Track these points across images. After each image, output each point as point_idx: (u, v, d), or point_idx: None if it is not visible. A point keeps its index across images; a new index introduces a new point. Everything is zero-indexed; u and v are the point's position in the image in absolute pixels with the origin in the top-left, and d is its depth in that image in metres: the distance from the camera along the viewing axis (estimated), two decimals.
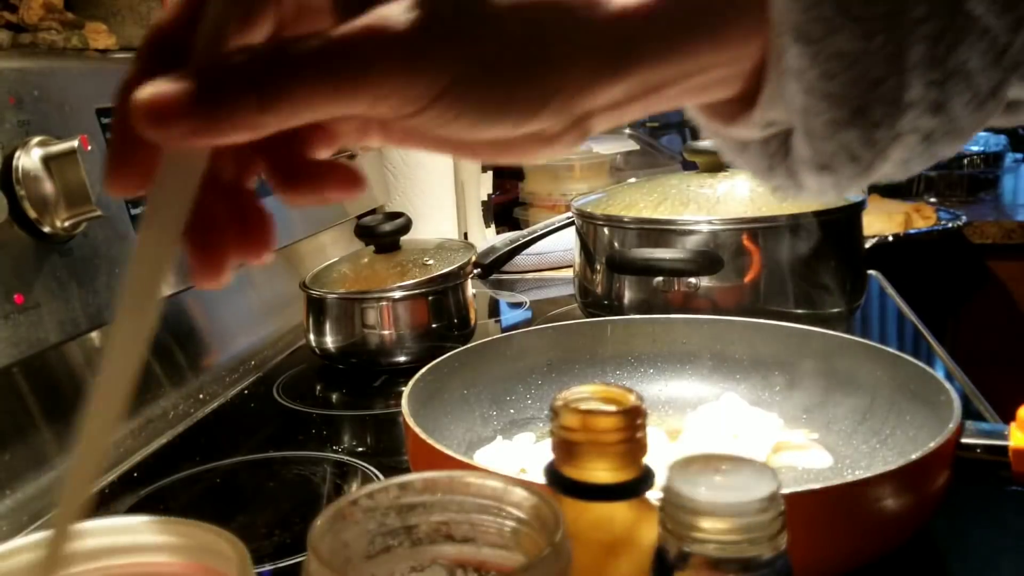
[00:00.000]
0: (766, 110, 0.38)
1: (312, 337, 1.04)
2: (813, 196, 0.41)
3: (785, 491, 0.32)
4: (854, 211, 1.02)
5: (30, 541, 0.38)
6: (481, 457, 0.72)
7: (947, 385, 0.65)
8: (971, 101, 0.35)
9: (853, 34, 0.33)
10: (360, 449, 0.85)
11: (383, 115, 0.32)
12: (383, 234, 1.06)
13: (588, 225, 1.07)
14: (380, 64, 0.30)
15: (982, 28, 0.33)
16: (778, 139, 0.41)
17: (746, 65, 0.36)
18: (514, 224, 1.81)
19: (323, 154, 0.36)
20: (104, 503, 0.76)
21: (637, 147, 1.89)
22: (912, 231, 1.64)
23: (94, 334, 0.87)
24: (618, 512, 0.37)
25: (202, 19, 0.31)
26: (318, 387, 1.03)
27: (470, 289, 1.08)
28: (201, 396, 0.99)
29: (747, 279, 0.96)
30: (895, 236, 1.27)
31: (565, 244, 1.33)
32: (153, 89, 0.29)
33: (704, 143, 1.03)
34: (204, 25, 0.31)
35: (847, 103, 0.35)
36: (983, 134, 2.13)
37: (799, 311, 0.96)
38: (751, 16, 0.35)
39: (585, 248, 1.08)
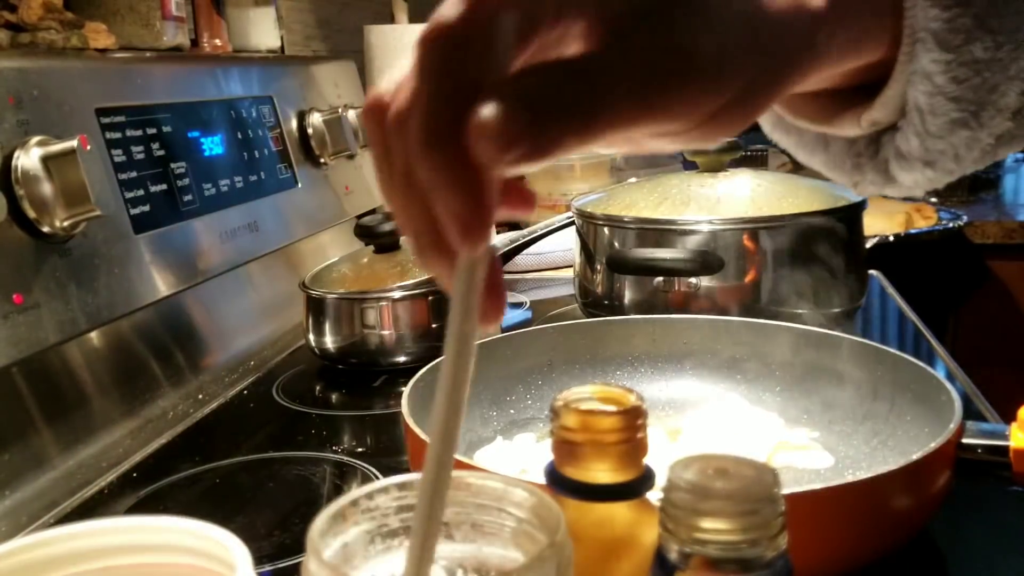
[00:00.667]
0: (878, 110, 0.41)
1: (312, 337, 1.04)
2: (901, 192, 0.44)
3: (786, 491, 0.32)
4: (855, 211, 1.01)
5: (30, 541, 0.38)
6: (481, 457, 0.72)
7: (948, 385, 0.65)
8: None
9: (986, 45, 0.37)
10: (360, 449, 0.85)
11: (665, 131, 0.34)
12: (383, 234, 1.05)
13: (588, 225, 1.07)
14: (682, 86, 0.32)
15: None
16: (866, 138, 0.44)
17: (870, 61, 0.39)
18: (514, 224, 1.80)
19: None
20: (103, 503, 0.76)
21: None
22: (913, 231, 1.63)
23: (93, 334, 0.87)
24: (619, 512, 0.37)
25: (493, 42, 0.31)
26: (318, 387, 1.03)
27: None
28: (201, 396, 0.99)
29: (748, 279, 0.96)
30: (896, 236, 1.26)
31: (565, 244, 1.33)
32: (492, 114, 0.29)
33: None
34: (498, 46, 0.31)
35: (968, 106, 0.38)
36: None
37: (800, 311, 0.96)
38: (886, 19, 0.38)
39: (585, 248, 1.08)
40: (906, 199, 1.96)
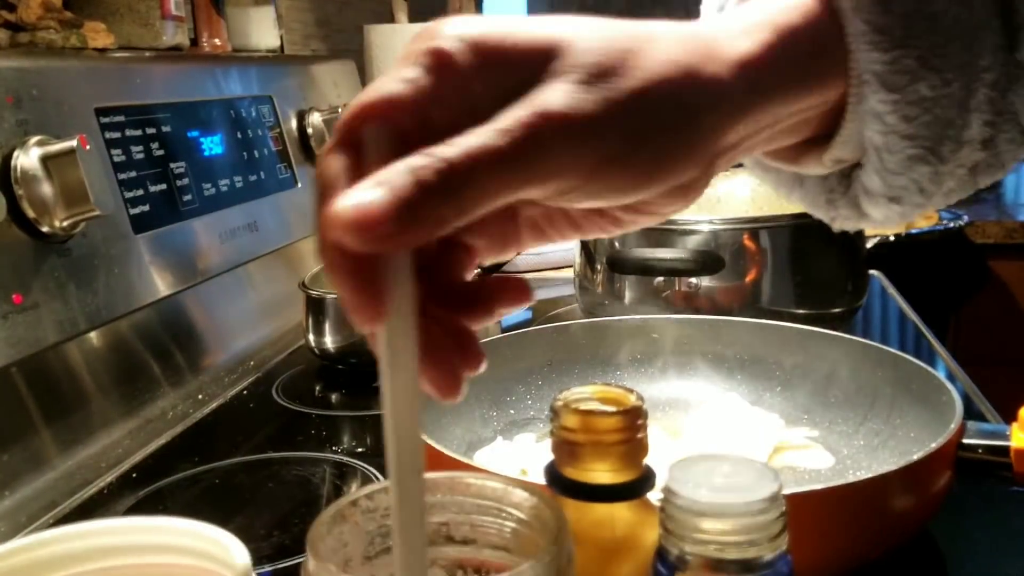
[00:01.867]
0: (839, 149, 0.41)
1: (311, 337, 1.04)
2: (874, 225, 0.45)
3: (786, 492, 0.32)
4: None
5: (30, 541, 0.38)
6: (481, 458, 0.72)
7: (948, 385, 0.65)
8: (1014, 138, 0.40)
9: (931, 83, 0.38)
10: (360, 450, 0.85)
11: (549, 195, 0.33)
12: None
13: None
14: (552, 144, 0.32)
15: None
16: (837, 175, 0.45)
17: (823, 109, 0.40)
18: None
19: (469, 275, 0.37)
20: (103, 504, 0.76)
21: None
22: (914, 231, 1.63)
23: (93, 334, 0.87)
24: (619, 513, 0.37)
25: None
26: (317, 387, 1.03)
27: None
28: (200, 396, 0.99)
29: (748, 279, 0.96)
30: (896, 236, 1.26)
31: (565, 244, 1.33)
32: (354, 202, 0.29)
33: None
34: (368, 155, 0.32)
35: (923, 142, 0.39)
36: None
37: (800, 311, 0.96)
38: (835, 65, 0.38)
39: (585, 248, 1.08)
40: None
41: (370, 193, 0.29)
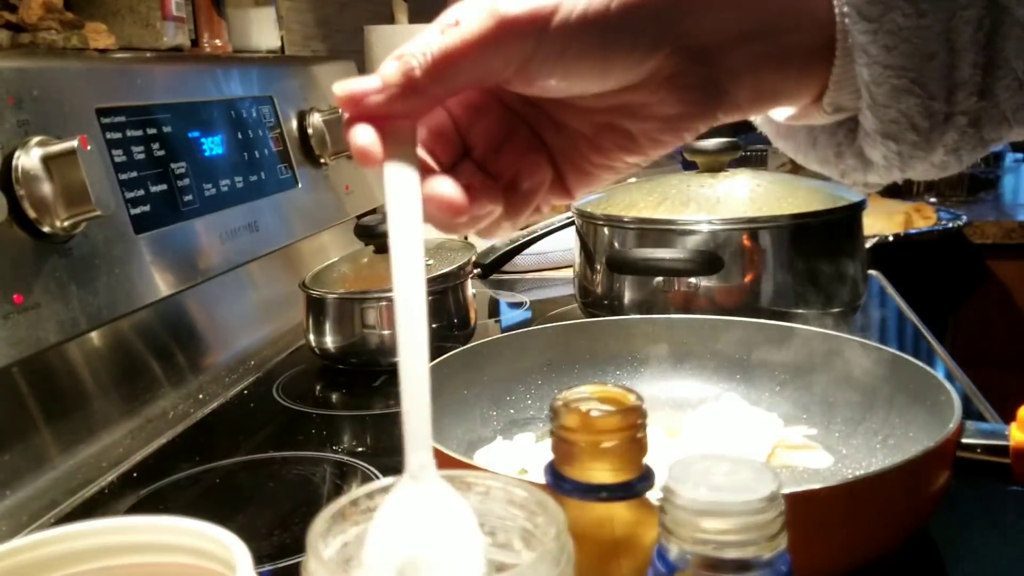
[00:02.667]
0: (836, 91, 0.44)
1: (312, 337, 1.04)
2: (881, 175, 0.47)
3: (785, 491, 0.32)
4: (854, 211, 1.01)
5: (30, 541, 0.38)
6: (481, 457, 0.72)
7: (947, 385, 0.65)
8: (1010, 85, 0.41)
9: (906, 12, 0.40)
10: (360, 449, 0.85)
11: (509, 69, 0.41)
12: (383, 234, 1.05)
13: (588, 225, 1.07)
14: (502, 36, 0.40)
15: (1014, 19, 0.40)
16: (844, 130, 0.48)
17: (810, 40, 0.43)
18: None
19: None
20: (104, 504, 0.76)
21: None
22: (912, 231, 1.64)
23: (94, 334, 0.87)
24: (618, 512, 0.37)
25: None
26: (318, 387, 1.03)
27: (470, 289, 1.08)
28: (201, 396, 0.99)
29: (747, 279, 0.96)
30: (895, 236, 1.27)
31: (565, 244, 1.33)
32: (351, 85, 0.41)
33: (711, 142, 1.03)
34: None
35: (905, 73, 0.41)
36: None
37: (799, 311, 0.96)
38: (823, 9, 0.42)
39: (585, 248, 1.08)
40: (906, 199, 1.96)
41: (366, 80, 0.41)
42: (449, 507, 0.34)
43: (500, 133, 0.45)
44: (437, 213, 0.41)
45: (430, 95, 0.41)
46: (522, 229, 0.43)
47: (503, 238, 1.17)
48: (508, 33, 0.39)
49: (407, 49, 0.40)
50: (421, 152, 0.43)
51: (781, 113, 0.50)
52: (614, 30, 0.41)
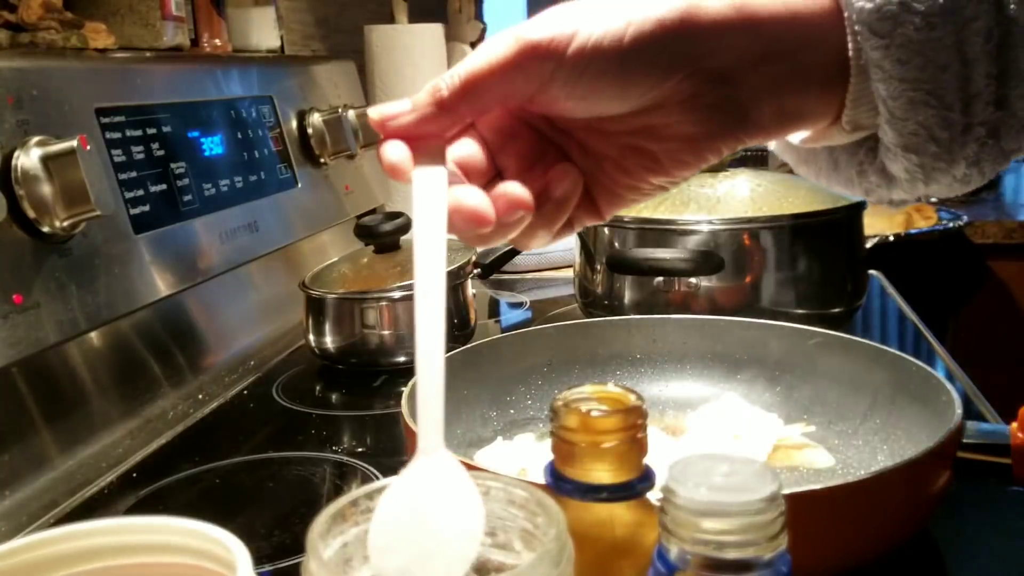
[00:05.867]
0: (853, 109, 0.45)
1: (312, 337, 1.04)
2: (906, 190, 0.48)
3: (785, 491, 0.32)
4: (855, 211, 1.01)
5: (30, 541, 0.38)
6: (481, 458, 0.72)
7: (948, 385, 0.65)
8: None
9: (917, 26, 0.41)
10: (360, 449, 0.85)
11: (530, 88, 0.44)
12: (383, 234, 1.05)
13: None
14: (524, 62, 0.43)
15: (1022, 31, 0.41)
16: (865, 146, 0.49)
17: (823, 58, 0.44)
18: None
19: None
20: (103, 504, 0.76)
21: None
22: (913, 231, 1.63)
23: (93, 334, 0.87)
24: (618, 513, 0.37)
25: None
26: (318, 387, 1.03)
27: (470, 289, 1.08)
28: (200, 396, 0.99)
29: (748, 279, 0.96)
30: (896, 236, 1.26)
31: (565, 244, 1.33)
32: (383, 109, 0.45)
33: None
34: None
35: (920, 85, 0.42)
36: None
37: (800, 311, 0.96)
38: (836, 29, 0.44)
39: (585, 248, 1.08)
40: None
41: (398, 104, 0.44)
42: (455, 479, 0.35)
43: (531, 155, 0.47)
44: (462, 223, 0.43)
45: (458, 114, 0.44)
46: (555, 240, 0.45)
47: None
48: (529, 56, 0.42)
49: (439, 77, 0.44)
50: (452, 168, 0.45)
51: (799, 137, 0.51)
52: (629, 58, 0.43)
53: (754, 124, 0.45)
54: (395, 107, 0.44)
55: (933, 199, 2.07)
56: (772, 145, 0.54)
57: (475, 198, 0.43)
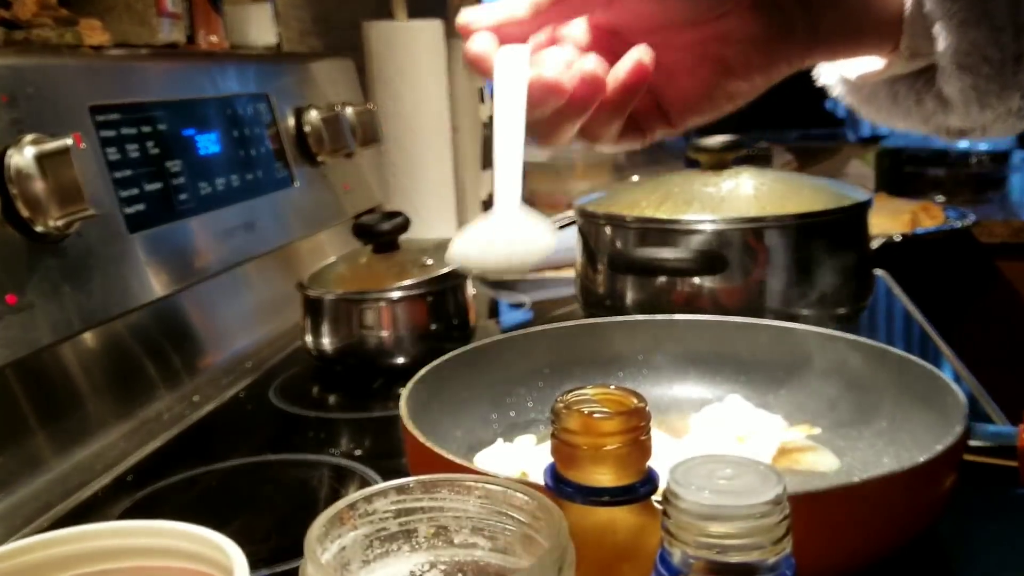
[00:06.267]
0: (910, 35, 0.50)
1: (309, 338, 1.04)
2: (961, 115, 0.51)
3: (790, 493, 0.32)
4: (860, 210, 1.01)
5: (24, 544, 0.38)
6: (481, 460, 0.72)
7: (954, 387, 0.65)
8: None
9: None
10: (358, 452, 0.84)
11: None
12: (381, 233, 1.05)
13: (590, 224, 1.06)
14: None
15: None
16: (923, 77, 0.53)
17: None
18: None
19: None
20: (98, 507, 0.76)
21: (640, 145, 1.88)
22: (920, 231, 1.63)
23: (88, 335, 0.86)
24: (621, 516, 0.38)
25: None
26: (315, 389, 1.02)
27: (470, 289, 1.08)
28: (196, 398, 0.99)
29: (751, 279, 0.96)
30: (902, 236, 1.26)
31: (566, 244, 1.32)
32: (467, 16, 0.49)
33: (714, 139, 1.03)
34: None
35: (972, 7, 0.46)
36: None
37: (804, 312, 0.95)
38: None
39: (587, 248, 1.07)
40: (913, 198, 1.96)
41: (489, 8, 0.48)
42: (528, 218, 0.45)
43: (609, 63, 0.50)
44: (539, 93, 0.46)
45: (547, 16, 0.49)
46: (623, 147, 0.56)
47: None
48: None
49: None
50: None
51: (861, 71, 0.57)
52: None
53: (820, 33, 0.50)
54: (485, 10, 0.48)
55: (940, 198, 2.08)
56: (836, 90, 0.60)
57: (554, 69, 0.47)
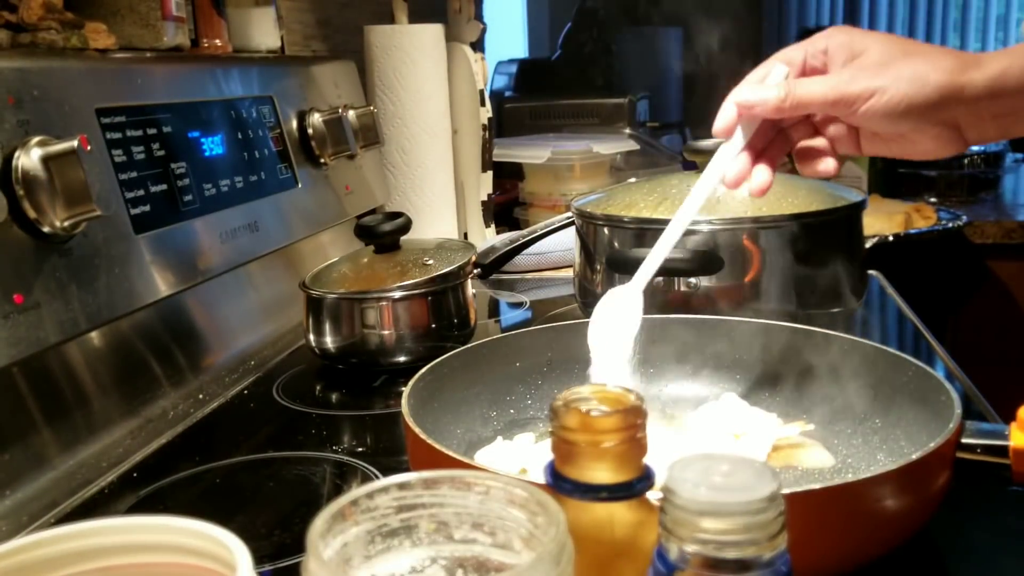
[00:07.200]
0: None
1: (312, 337, 1.04)
2: None
3: (785, 491, 0.32)
4: (854, 211, 1.01)
5: (30, 541, 0.38)
6: (481, 457, 0.72)
7: (947, 385, 0.65)
8: None
9: None
10: (360, 449, 0.85)
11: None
12: (383, 234, 1.05)
13: (588, 225, 1.07)
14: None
15: None
16: None
17: None
18: (514, 224, 1.81)
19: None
20: (104, 503, 0.76)
21: (637, 147, 1.89)
22: (912, 231, 1.64)
23: (94, 334, 0.87)
24: (618, 512, 0.38)
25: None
26: (318, 387, 1.03)
27: (470, 289, 1.08)
28: (201, 396, 0.99)
29: (747, 279, 0.96)
30: (895, 236, 1.27)
31: (565, 244, 1.33)
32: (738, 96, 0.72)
33: (710, 141, 1.03)
34: None
35: None
36: None
37: (799, 311, 0.96)
38: None
39: (585, 248, 1.08)
40: (906, 199, 1.96)
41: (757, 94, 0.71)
42: (635, 303, 0.73)
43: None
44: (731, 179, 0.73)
45: (782, 112, 0.70)
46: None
47: (501, 238, 1.17)
48: (840, 104, 0.68)
49: (782, 85, 0.70)
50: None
51: None
52: (910, 114, 0.67)
53: (982, 142, 0.69)
54: (755, 96, 0.70)
55: (932, 199, 2.08)
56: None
57: (737, 168, 0.73)
